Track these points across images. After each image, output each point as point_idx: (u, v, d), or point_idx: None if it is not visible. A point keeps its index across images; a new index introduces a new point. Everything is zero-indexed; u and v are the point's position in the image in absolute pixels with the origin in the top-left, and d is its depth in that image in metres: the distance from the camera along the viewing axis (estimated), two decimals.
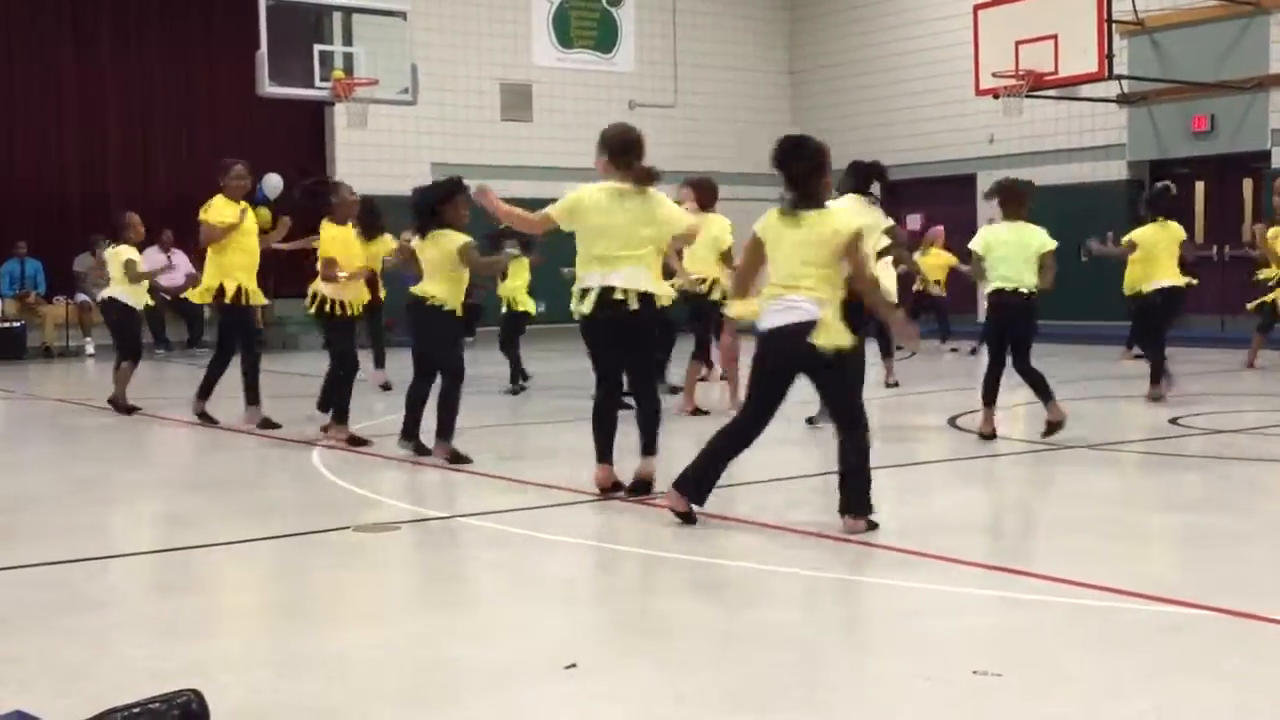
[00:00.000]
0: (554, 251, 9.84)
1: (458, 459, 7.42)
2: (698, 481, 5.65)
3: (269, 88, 16.25)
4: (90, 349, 17.72)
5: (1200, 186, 19.15)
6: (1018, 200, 8.27)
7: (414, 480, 7.34)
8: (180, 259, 17.15)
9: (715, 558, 5.25)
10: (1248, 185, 18.84)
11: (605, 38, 22.82)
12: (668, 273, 7.53)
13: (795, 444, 8.47)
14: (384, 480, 7.36)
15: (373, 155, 19.93)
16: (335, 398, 8.57)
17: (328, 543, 5.64)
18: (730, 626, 4.28)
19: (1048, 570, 4.80)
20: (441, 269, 7.48)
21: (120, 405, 10.48)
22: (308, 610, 4.62)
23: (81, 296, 18.04)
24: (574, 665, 3.74)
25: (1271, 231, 12.83)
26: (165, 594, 4.88)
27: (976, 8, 18.38)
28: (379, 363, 12.17)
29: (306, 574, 5.17)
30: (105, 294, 10.56)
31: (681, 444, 6.97)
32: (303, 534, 5.77)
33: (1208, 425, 9.09)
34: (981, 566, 4.86)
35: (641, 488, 6.32)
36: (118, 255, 10.43)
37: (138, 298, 10.51)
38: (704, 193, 9.83)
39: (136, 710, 2.93)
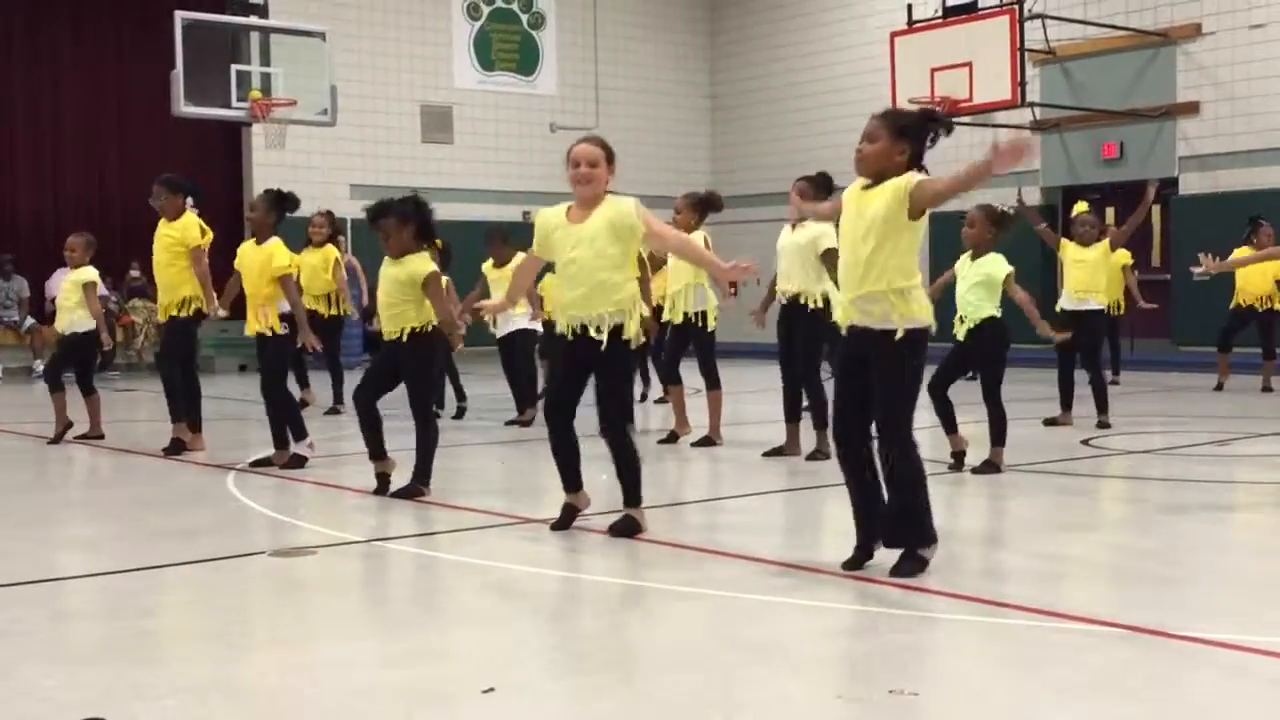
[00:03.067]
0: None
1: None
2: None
3: (184, 107, 16.04)
4: None
5: (1110, 212, 19.55)
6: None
7: (332, 504, 7.26)
8: None
9: (633, 579, 5.25)
10: (1156, 211, 19.27)
11: (527, 60, 22.86)
12: None
13: (727, 465, 8.51)
14: (301, 504, 7.27)
15: (290, 176, 19.71)
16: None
17: (243, 568, 5.55)
18: (646, 648, 4.28)
19: (964, 590, 4.86)
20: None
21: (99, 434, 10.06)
22: (221, 637, 4.55)
23: None
24: (492, 689, 3.72)
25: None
26: (74, 621, 4.78)
27: (893, 35, 18.66)
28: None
29: (220, 599, 5.09)
30: (85, 327, 9.79)
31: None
32: (217, 559, 5.67)
33: (1119, 446, 9.26)
34: (899, 586, 4.90)
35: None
36: (84, 276, 9.82)
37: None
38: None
39: None
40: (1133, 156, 19.00)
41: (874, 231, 5.05)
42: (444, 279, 11.01)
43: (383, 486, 7.21)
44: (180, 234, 9.19)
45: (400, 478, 7.24)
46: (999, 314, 7.87)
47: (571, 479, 6.17)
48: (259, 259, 8.41)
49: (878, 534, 5.21)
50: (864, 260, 5.06)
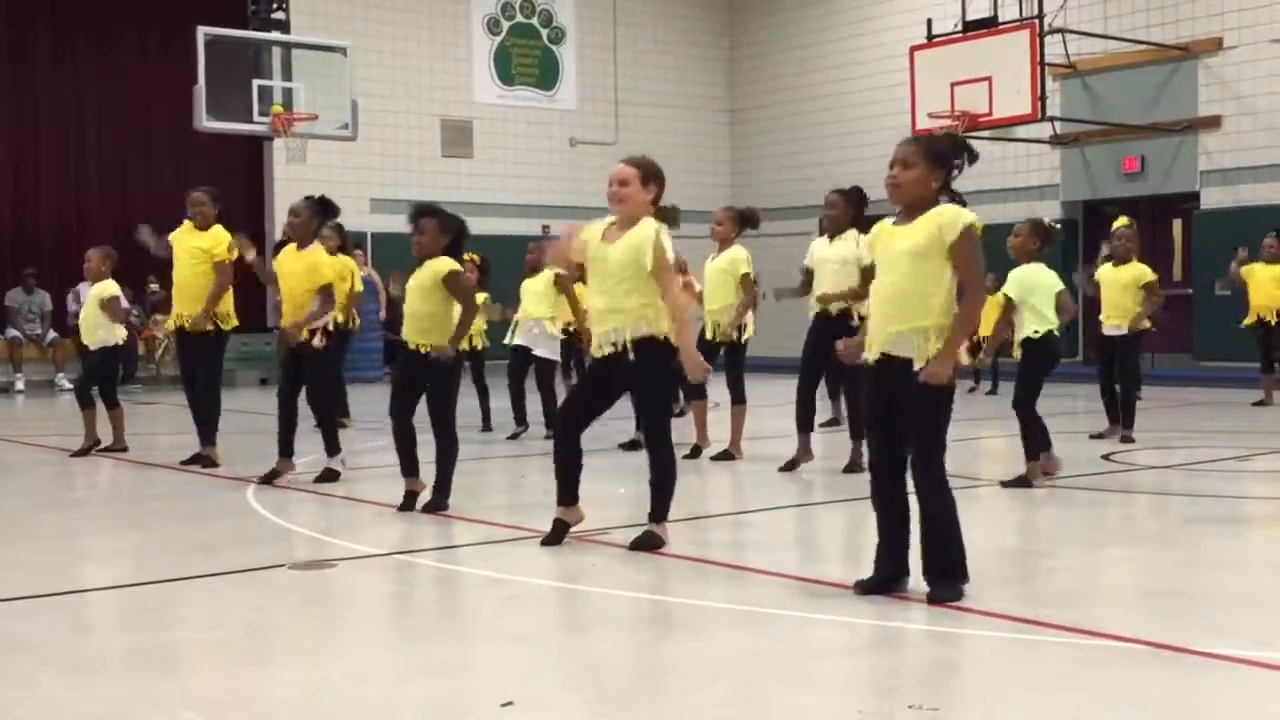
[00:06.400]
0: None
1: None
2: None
3: (206, 122, 16.13)
4: (20, 385, 17.43)
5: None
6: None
7: (353, 517, 7.27)
8: None
9: (652, 593, 5.25)
10: (1177, 225, 19.20)
11: (547, 75, 22.92)
12: None
13: (758, 480, 8.51)
14: (321, 517, 7.28)
15: (311, 190, 19.81)
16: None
17: (264, 580, 5.57)
18: (665, 661, 4.28)
19: (982, 606, 4.84)
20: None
21: (122, 446, 10.08)
22: (239, 648, 4.56)
23: (12, 332, 17.76)
24: (510, 703, 3.72)
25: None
26: (95, 633, 4.80)
27: (913, 49, 18.65)
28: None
29: (239, 612, 5.10)
30: (111, 342, 9.88)
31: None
32: (237, 571, 5.69)
33: (1142, 461, 9.22)
34: (917, 602, 4.89)
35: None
36: (104, 292, 9.89)
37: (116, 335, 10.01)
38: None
39: None
40: (1154, 171, 18.94)
41: (910, 267, 4.89)
42: (482, 295, 11.16)
43: (408, 504, 7.18)
44: (209, 244, 9.09)
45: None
46: (1052, 328, 7.90)
47: (568, 492, 6.09)
48: (301, 266, 8.33)
49: (902, 567, 5.02)
50: (901, 295, 4.90)
